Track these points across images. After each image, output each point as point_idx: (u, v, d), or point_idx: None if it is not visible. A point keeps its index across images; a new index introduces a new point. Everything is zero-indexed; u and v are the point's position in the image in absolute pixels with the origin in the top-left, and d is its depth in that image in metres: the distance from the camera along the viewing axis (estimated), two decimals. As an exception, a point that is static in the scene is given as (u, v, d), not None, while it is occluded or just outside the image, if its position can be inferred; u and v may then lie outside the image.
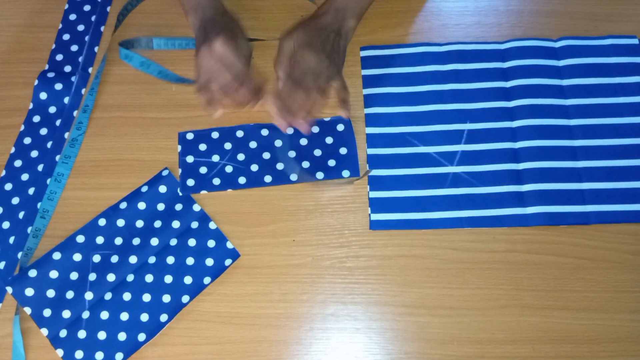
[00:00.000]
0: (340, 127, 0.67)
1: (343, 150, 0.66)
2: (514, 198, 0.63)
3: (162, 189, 0.64)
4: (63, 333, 0.58)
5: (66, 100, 0.69)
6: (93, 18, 0.74)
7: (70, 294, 0.60)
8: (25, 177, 0.65)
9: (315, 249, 0.62)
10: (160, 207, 0.64)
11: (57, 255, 0.61)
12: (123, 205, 0.63)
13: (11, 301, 0.60)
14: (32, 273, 0.60)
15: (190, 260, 0.61)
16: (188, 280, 0.60)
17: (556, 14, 0.73)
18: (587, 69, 0.68)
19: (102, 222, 0.63)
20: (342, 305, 0.60)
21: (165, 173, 0.65)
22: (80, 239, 0.62)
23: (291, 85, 0.59)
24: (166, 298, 0.60)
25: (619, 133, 0.65)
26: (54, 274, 0.60)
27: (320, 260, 0.62)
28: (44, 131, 0.68)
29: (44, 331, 0.58)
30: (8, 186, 0.65)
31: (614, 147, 0.65)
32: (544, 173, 0.64)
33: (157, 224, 0.63)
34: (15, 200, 0.64)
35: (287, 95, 0.59)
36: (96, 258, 0.61)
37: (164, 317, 0.59)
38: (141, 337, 0.58)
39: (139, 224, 0.63)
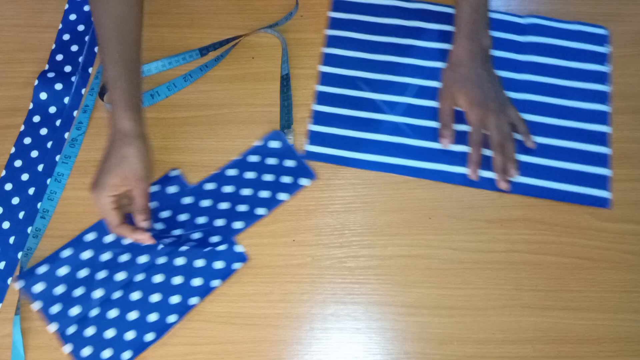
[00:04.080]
0: (275, 144, 0.66)
1: (290, 163, 0.65)
2: (443, 155, 0.65)
3: (171, 189, 0.64)
4: (71, 329, 0.58)
5: (66, 100, 0.69)
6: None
7: (79, 291, 0.60)
8: (25, 177, 0.65)
9: (315, 249, 0.62)
10: (169, 208, 0.64)
11: (67, 252, 0.61)
12: None
13: (11, 301, 0.60)
14: (43, 269, 0.60)
15: (199, 263, 0.61)
16: (197, 282, 0.60)
17: (556, 13, 0.73)
18: (548, 49, 0.70)
19: None
20: (342, 305, 0.60)
21: (174, 174, 0.65)
22: (91, 236, 0.62)
23: (477, 120, 0.64)
24: (175, 299, 0.60)
25: (562, 114, 0.67)
26: (64, 271, 0.60)
27: (320, 260, 0.62)
28: (44, 131, 0.68)
29: (53, 326, 0.58)
30: (8, 186, 0.65)
31: (553, 126, 0.67)
32: None
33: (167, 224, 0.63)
34: (16, 200, 0.64)
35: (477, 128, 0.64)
36: (106, 256, 0.61)
37: (172, 318, 0.59)
38: (149, 336, 0.58)
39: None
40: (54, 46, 0.72)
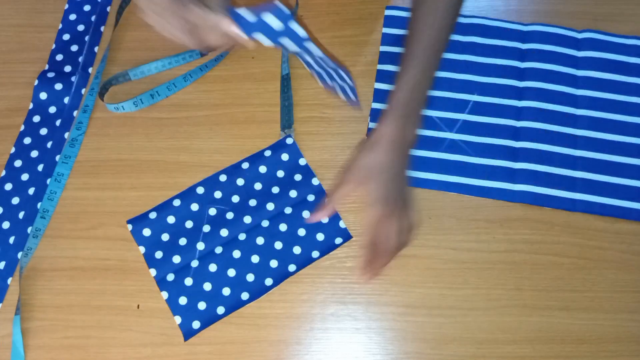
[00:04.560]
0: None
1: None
2: (505, 173, 0.64)
3: (284, 156, 0.65)
4: (170, 277, 0.60)
5: (66, 100, 0.69)
6: (93, 18, 0.74)
7: (183, 241, 0.61)
8: (25, 177, 0.65)
9: (315, 249, 0.62)
10: (280, 174, 0.64)
11: (176, 202, 0.62)
12: (245, 165, 0.64)
13: (11, 301, 0.60)
14: (152, 215, 0.62)
15: (301, 232, 0.62)
16: (297, 250, 0.61)
17: (557, 14, 0.73)
18: (605, 64, 0.69)
19: (222, 177, 0.64)
20: (342, 305, 0.60)
21: (289, 141, 0.65)
22: (200, 190, 0.63)
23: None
24: (273, 263, 0.60)
25: (624, 130, 0.66)
26: (171, 219, 0.62)
27: (320, 260, 0.62)
28: (44, 131, 0.68)
29: (152, 272, 0.60)
30: (8, 186, 0.65)
31: (616, 142, 0.66)
32: (540, 155, 0.65)
33: (275, 189, 0.64)
34: (15, 200, 0.64)
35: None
36: (212, 211, 0.62)
37: (268, 281, 0.60)
38: (244, 296, 0.59)
39: (257, 186, 0.64)
40: (54, 46, 0.72)
